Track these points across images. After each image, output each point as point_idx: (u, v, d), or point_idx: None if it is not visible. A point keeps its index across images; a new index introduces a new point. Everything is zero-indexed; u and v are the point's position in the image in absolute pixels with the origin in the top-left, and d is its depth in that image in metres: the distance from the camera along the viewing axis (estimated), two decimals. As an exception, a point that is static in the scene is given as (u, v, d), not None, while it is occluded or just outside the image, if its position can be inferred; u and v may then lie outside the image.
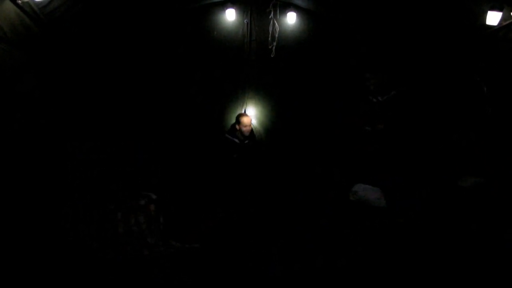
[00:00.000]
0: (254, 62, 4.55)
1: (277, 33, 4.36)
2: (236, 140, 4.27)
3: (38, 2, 3.05)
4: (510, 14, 3.11)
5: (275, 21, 4.34)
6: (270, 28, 4.36)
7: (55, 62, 3.66)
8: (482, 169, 3.34)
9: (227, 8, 4.31)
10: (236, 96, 4.58)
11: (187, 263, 3.31)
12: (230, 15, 4.35)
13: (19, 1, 2.88)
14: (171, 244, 3.69)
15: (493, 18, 3.27)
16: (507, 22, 3.14)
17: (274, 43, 4.38)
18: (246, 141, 4.31)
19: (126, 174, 4.07)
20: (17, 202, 3.13)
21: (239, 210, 4.09)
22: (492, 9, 3.18)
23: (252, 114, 4.63)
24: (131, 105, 4.36)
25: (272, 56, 4.42)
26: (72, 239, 3.39)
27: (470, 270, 2.70)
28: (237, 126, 4.26)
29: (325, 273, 2.95)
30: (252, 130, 4.33)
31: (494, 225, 3.02)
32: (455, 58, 3.80)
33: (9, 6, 2.90)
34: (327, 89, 4.51)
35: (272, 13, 4.31)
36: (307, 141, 4.48)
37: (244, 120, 4.23)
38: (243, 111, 4.57)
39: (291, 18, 4.39)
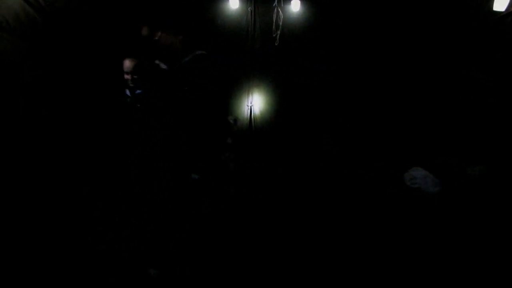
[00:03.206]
0: (258, 50, 4.52)
1: (281, 21, 4.32)
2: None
3: (42, -9, 3.01)
4: (518, -1, 3.09)
5: (279, 9, 4.29)
6: (274, 16, 4.31)
7: (58, 52, 3.62)
8: (488, 158, 3.35)
9: (231, -4, 4.27)
10: (241, 84, 4.56)
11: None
12: (234, 3, 4.30)
13: (22, -9, 2.85)
14: None
15: (501, 3, 3.25)
16: (516, 7, 3.12)
17: (278, 31, 4.33)
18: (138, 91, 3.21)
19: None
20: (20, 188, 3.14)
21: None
22: (500, -6, 3.15)
23: (257, 103, 4.63)
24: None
25: (276, 44, 4.38)
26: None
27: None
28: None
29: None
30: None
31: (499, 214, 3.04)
32: (460, 44, 3.78)
33: (12, -4, 2.87)
34: (332, 76, 4.49)
35: (276, 1, 4.26)
36: (313, 129, 4.47)
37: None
38: (249, 101, 4.58)
39: (295, 6, 4.35)
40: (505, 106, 3.26)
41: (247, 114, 4.65)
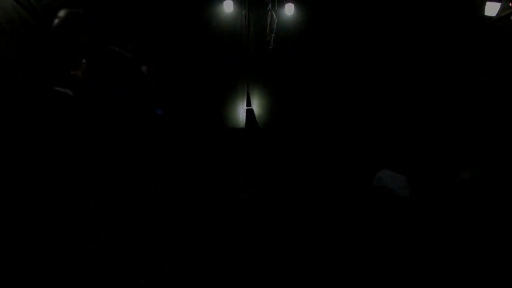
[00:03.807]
0: (253, 54, 4.53)
1: (275, 25, 4.35)
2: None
3: (35, -7, 2.98)
4: (508, 4, 3.18)
5: (273, 13, 4.33)
6: (268, 20, 4.34)
7: (51, 53, 3.57)
8: (484, 160, 3.41)
9: (225, -1, 4.27)
10: (236, 87, 4.55)
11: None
12: (228, 7, 4.32)
13: (16, -7, 2.81)
14: None
15: (492, 9, 3.34)
16: (506, 12, 3.21)
17: (273, 35, 4.37)
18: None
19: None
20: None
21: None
22: (491, -1, 3.24)
23: (252, 106, 4.61)
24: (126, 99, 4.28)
25: (270, 47, 4.41)
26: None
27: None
28: None
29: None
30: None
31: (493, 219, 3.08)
32: (456, 45, 3.85)
33: (5, -2, 2.83)
34: (329, 76, 4.53)
35: (270, 4, 4.30)
36: (308, 132, 4.48)
37: None
38: (244, 103, 4.56)
39: (289, 9, 4.38)
40: (501, 108, 3.33)
41: (243, 117, 4.62)
